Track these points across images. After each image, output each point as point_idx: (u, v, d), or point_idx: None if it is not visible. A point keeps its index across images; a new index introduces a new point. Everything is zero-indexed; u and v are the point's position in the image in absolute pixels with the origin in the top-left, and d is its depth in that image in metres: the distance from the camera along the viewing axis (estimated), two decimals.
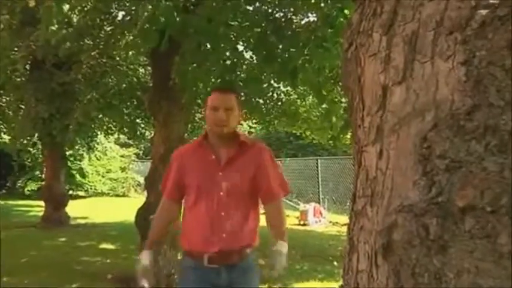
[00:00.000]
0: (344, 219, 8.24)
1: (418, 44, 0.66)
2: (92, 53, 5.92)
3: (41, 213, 8.27)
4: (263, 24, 3.08)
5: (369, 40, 0.73)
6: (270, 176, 1.73)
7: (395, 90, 0.68)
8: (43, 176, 9.60)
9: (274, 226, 1.74)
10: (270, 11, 3.32)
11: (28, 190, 12.53)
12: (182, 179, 1.74)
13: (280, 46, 3.08)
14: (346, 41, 0.79)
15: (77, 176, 13.22)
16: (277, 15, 3.25)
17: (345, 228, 0.85)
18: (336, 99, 4.72)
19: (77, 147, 10.17)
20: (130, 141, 13.86)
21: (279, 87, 6.18)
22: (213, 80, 3.41)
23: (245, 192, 1.70)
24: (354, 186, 0.77)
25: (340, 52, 3.02)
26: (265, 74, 4.25)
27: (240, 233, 1.68)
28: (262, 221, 1.78)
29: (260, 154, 1.74)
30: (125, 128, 8.45)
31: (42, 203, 8.36)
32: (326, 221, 8.77)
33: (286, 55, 3.06)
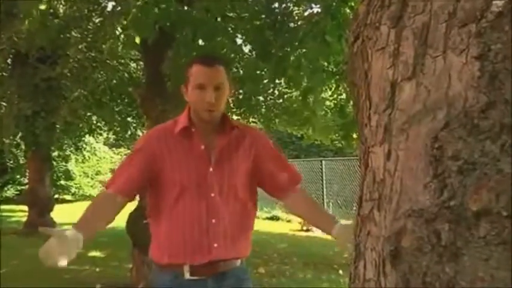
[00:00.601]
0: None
1: (429, 37, 0.66)
2: (80, 46, 5.93)
3: (24, 219, 8.27)
4: (262, 16, 3.09)
5: (377, 33, 0.73)
6: (276, 166, 1.51)
7: (404, 86, 0.68)
8: (26, 178, 9.60)
9: (316, 212, 1.53)
10: (270, 1, 3.32)
11: (9, 193, 12.53)
12: (151, 172, 1.43)
13: (278, 43, 3.08)
14: (352, 34, 0.79)
15: (63, 178, 13.22)
16: (276, 4, 3.25)
17: None
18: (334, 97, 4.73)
19: (63, 147, 10.17)
20: (121, 141, 13.86)
21: (280, 83, 6.19)
22: None
23: (242, 192, 1.48)
24: (360, 189, 0.77)
25: (344, 46, 3.03)
26: (265, 70, 4.26)
27: (237, 243, 1.46)
28: (258, 225, 1.72)
29: (258, 142, 1.52)
30: (115, 127, 8.45)
31: (25, 207, 8.35)
32: None
33: (283, 51, 3.06)
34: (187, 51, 3.07)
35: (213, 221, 1.44)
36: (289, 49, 3.04)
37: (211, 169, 1.45)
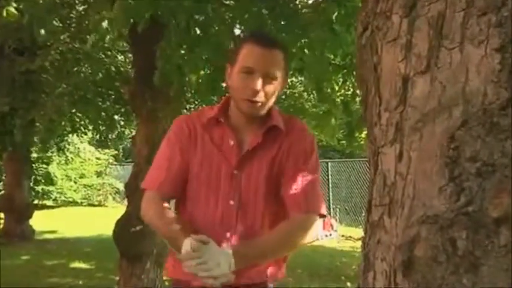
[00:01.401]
0: (359, 232, 8.25)
1: (445, 27, 0.66)
2: (62, 37, 5.92)
3: (0, 227, 8.26)
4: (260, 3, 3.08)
5: (387, 23, 0.73)
6: (300, 179, 1.32)
7: (417, 81, 0.69)
8: (1, 182, 9.60)
9: (269, 234, 1.32)
10: None
11: None
12: (187, 166, 1.33)
13: (276, 28, 3.07)
14: (360, 24, 0.80)
15: (44, 182, 13.20)
16: None
17: (359, 244, 0.85)
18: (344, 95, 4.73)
19: (45, 148, 10.16)
20: (108, 141, 13.85)
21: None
22: (203, 71, 3.41)
23: (269, 204, 1.33)
24: (369, 193, 0.77)
25: (353, 37, 3.03)
26: None
27: (254, 266, 1.31)
28: None
29: (295, 143, 1.34)
30: (101, 126, 8.44)
31: (1, 214, 8.35)
32: (338, 235, 8.78)
33: (282, 37, 3.04)
34: (179, 40, 3.06)
35: (227, 234, 1.31)
36: (292, 33, 3.02)
37: (235, 171, 1.32)
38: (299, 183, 1.33)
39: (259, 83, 1.25)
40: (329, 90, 3.97)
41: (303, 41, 3.23)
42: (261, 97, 1.27)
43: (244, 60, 1.28)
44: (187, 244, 1.18)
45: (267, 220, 1.34)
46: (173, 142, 1.37)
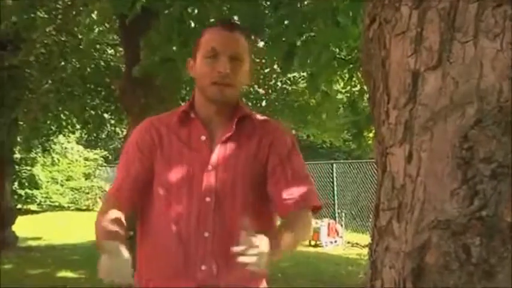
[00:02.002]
0: (366, 239, 8.25)
1: (458, 19, 0.66)
2: (47, 29, 5.92)
3: None
4: None
5: (396, 15, 0.74)
6: (289, 176, 1.33)
7: (428, 77, 0.69)
8: None
9: (287, 230, 1.30)
10: None
11: None
12: (148, 173, 1.34)
13: (273, 17, 3.05)
14: (367, 16, 0.80)
15: (28, 185, 13.20)
16: None
17: (366, 251, 0.86)
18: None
19: (29, 149, 10.16)
20: (97, 141, 13.86)
21: (285, 75, 6.21)
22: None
23: (251, 200, 1.33)
24: (376, 196, 0.78)
25: (359, 30, 3.03)
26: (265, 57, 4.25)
27: (235, 267, 1.20)
28: None
29: (276, 137, 1.36)
30: (89, 125, 8.44)
31: None
32: (343, 242, 8.79)
33: (280, 27, 3.03)
34: (169, 31, 3.05)
35: (206, 234, 1.30)
36: (290, 22, 3.01)
37: (210, 167, 1.31)
38: (292, 181, 1.34)
39: (226, 65, 1.28)
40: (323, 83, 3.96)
41: (307, 34, 3.23)
42: (229, 77, 1.29)
43: (208, 44, 1.31)
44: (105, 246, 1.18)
45: (247, 215, 1.30)
46: (130, 150, 1.39)
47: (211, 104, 1.34)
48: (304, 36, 3.22)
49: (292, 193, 1.33)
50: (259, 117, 1.41)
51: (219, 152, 1.33)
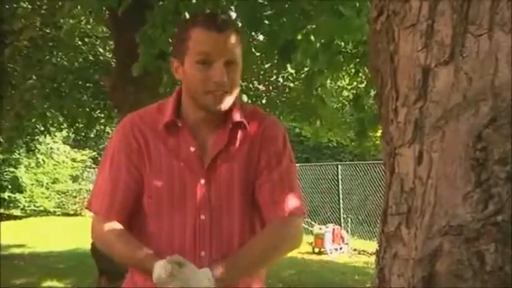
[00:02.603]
0: (373, 245, 8.25)
1: (471, 11, 0.67)
2: (32, 22, 5.92)
3: None
4: None
5: (406, 6, 0.74)
6: (275, 181, 1.34)
7: (439, 73, 0.69)
8: None
9: (244, 249, 1.32)
10: None
11: None
12: (137, 185, 1.33)
13: (272, 9, 3.05)
14: (374, 8, 0.80)
15: (11, 188, 13.18)
16: None
17: (374, 259, 0.86)
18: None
19: (11, 149, 10.15)
20: (85, 141, 13.85)
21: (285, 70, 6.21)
22: None
23: (247, 213, 1.35)
24: (384, 200, 0.78)
25: (364, 22, 3.03)
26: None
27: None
28: None
29: (266, 139, 1.35)
30: (77, 123, 8.44)
31: None
32: (349, 249, 8.79)
33: (278, 21, 3.03)
34: (163, 23, 3.05)
35: (202, 253, 1.31)
36: (285, 19, 3.01)
37: (202, 180, 1.32)
38: (275, 185, 1.34)
39: (223, 73, 1.24)
40: (318, 85, 3.96)
41: (309, 27, 3.23)
42: (226, 87, 1.26)
43: (198, 48, 1.25)
44: (160, 267, 1.19)
45: (245, 229, 1.35)
46: (118, 159, 1.35)
47: (202, 111, 1.32)
48: (304, 31, 3.22)
49: (274, 201, 1.33)
50: (249, 114, 1.38)
51: (211, 165, 1.32)
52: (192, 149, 1.32)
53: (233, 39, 1.27)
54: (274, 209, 1.34)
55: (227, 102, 1.29)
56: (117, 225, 1.35)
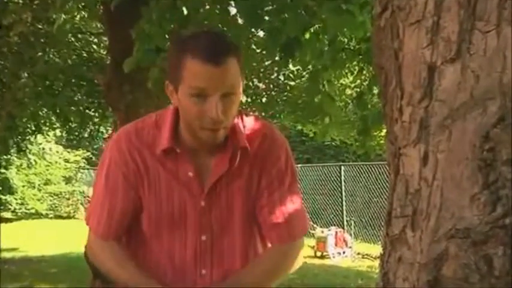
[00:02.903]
0: (377, 249, 8.25)
1: (479, 7, 0.67)
2: (23, 17, 5.91)
3: None
4: None
5: (411, 2, 0.74)
6: (276, 201, 1.38)
7: (446, 70, 0.69)
8: None
9: (248, 268, 1.39)
10: None
11: None
12: (134, 206, 1.37)
13: (274, 5, 3.06)
14: (378, 4, 0.80)
15: (1, 190, 13.18)
16: None
17: (378, 262, 0.86)
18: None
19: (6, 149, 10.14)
20: (79, 141, 13.81)
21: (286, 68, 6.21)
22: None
23: (248, 230, 1.39)
24: (389, 202, 0.78)
25: (367, 18, 3.03)
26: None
27: None
28: None
29: (267, 158, 1.37)
30: (71, 123, 8.44)
31: None
32: (352, 252, 8.79)
33: (279, 17, 3.03)
34: (160, 18, 3.05)
35: (203, 271, 1.36)
36: (287, 15, 3.01)
37: (203, 203, 1.34)
38: (276, 207, 1.38)
39: (219, 109, 1.20)
40: (325, 82, 3.97)
41: (317, 26, 3.24)
42: (223, 122, 1.24)
43: (194, 83, 1.21)
44: None
45: (246, 247, 1.40)
46: (114, 177, 1.37)
47: (200, 144, 1.33)
48: (312, 30, 3.23)
49: (275, 223, 1.38)
50: (250, 131, 1.38)
51: (211, 189, 1.35)
52: (191, 174, 1.34)
53: (232, 69, 1.22)
54: (275, 231, 1.39)
55: (223, 135, 1.30)
56: (115, 248, 1.40)
